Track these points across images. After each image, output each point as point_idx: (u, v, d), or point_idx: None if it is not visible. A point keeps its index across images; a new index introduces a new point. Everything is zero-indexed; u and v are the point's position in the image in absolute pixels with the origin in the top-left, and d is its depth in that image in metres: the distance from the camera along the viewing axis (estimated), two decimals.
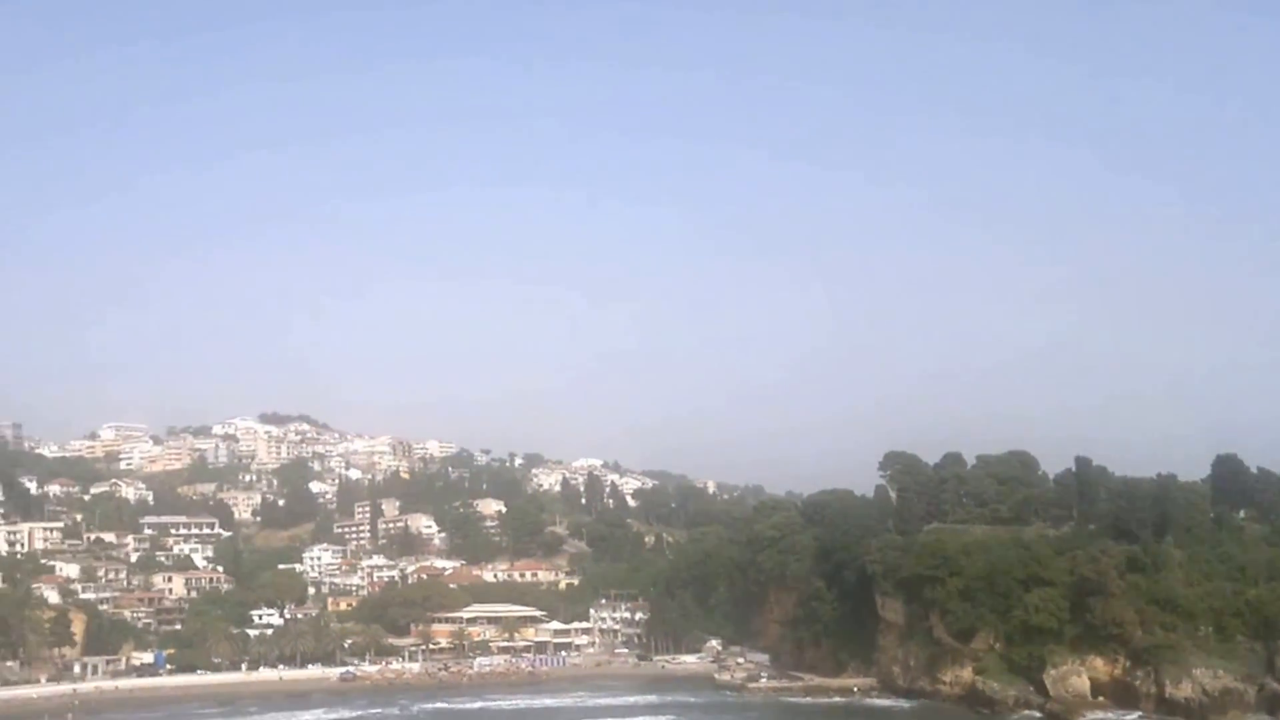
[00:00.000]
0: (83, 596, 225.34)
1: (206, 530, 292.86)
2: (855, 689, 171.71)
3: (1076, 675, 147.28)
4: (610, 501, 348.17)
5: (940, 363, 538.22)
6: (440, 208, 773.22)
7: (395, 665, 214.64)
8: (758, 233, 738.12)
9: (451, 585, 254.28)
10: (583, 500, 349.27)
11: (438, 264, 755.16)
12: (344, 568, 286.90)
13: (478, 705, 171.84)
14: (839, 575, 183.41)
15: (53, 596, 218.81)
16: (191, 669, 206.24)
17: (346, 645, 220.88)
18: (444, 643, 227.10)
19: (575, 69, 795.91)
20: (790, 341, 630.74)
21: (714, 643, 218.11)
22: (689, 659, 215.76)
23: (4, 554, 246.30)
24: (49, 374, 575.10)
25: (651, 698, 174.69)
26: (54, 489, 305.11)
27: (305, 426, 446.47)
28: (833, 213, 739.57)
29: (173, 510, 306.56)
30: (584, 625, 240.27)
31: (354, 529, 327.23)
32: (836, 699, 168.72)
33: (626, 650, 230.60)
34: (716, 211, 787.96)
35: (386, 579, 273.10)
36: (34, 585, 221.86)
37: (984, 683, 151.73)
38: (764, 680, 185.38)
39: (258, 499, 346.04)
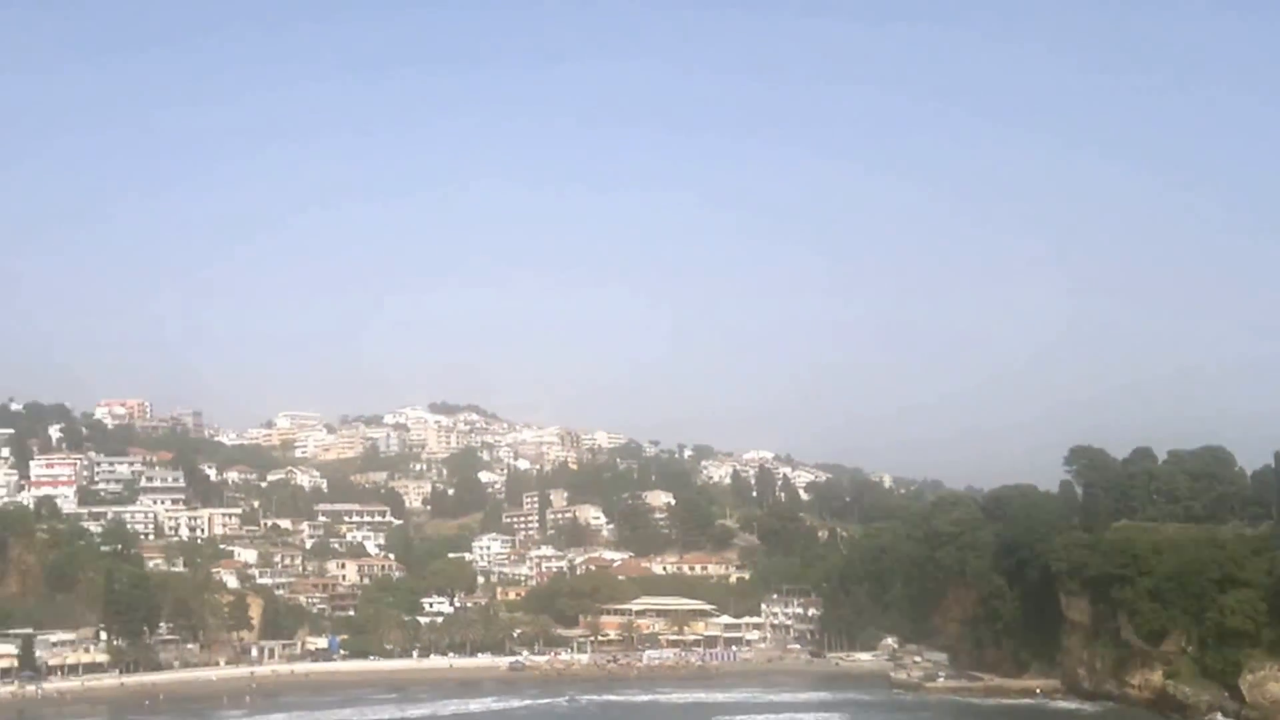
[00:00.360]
0: (260, 581, 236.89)
1: (378, 518, 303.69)
2: (1038, 691, 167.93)
3: (1275, 681, 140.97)
4: (782, 495, 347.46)
5: (1135, 367, 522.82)
6: (607, 208, 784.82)
7: (564, 656, 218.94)
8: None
9: (620, 577, 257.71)
10: (754, 493, 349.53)
11: (604, 263, 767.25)
12: (513, 558, 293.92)
13: (647, 698, 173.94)
14: (1021, 573, 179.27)
15: (231, 581, 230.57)
16: (364, 655, 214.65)
17: (515, 635, 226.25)
18: (612, 635, 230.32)
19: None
20: (987, 346, 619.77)
21: (889, 640, 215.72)
22: (863, 657, 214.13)
23: (185, 539, 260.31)
24: (228, 364, 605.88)
25: (824, 695, 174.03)
26: (232, 476, 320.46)
27: (474, 416, 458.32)
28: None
29: (345, 498, 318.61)
30: (755, 620, 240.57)
31: (522, 519, 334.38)
32: (1019, 701, 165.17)
33: (799, 646, 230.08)
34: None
35: (555, 570, 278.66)
36: (213, 570, 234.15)
37: (1175, 687, 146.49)
38: (941, 680, 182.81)
39: (428, 488, 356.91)
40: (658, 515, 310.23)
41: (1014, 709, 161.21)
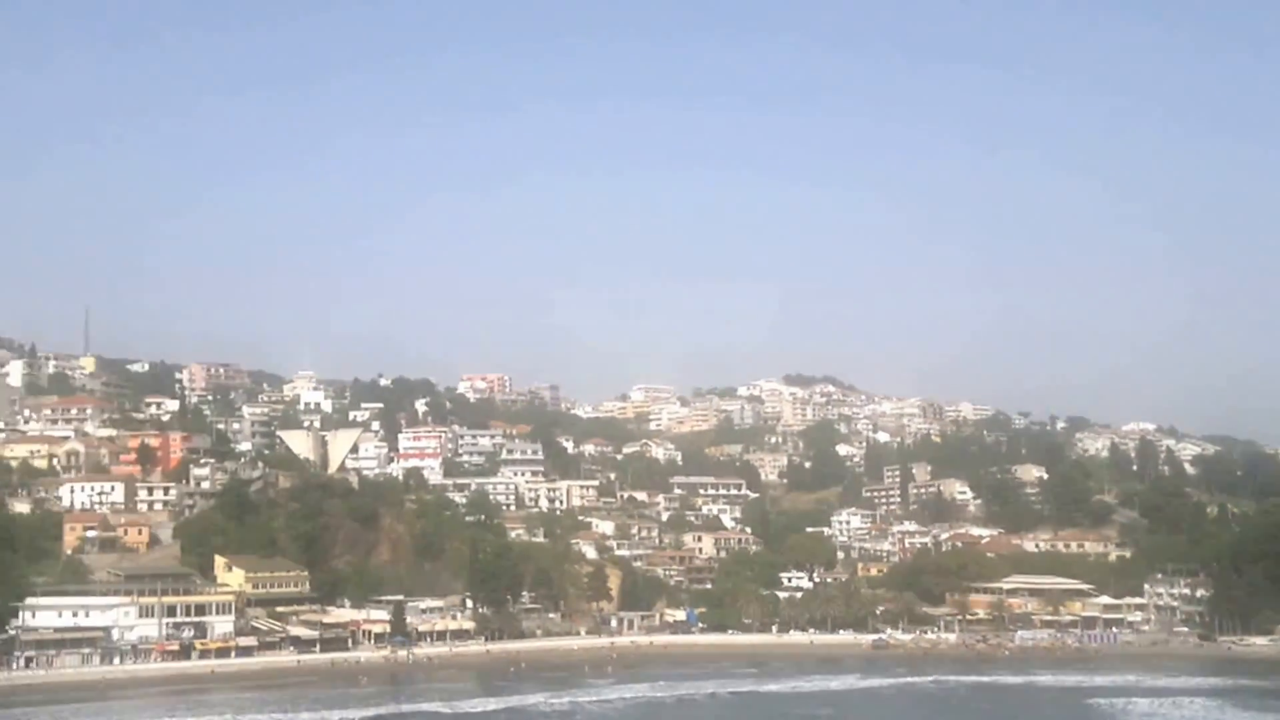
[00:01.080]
0: (618, 553, 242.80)
1: (734, 491, 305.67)
2: None
3: None
4: (1166, 469, 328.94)
5: None
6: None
7: (930, 635, 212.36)
8: None
9: (989, 554, 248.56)
10: (1134, 467, 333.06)
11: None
12: (873, 533, 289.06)
13: (1019, 680, 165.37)
14: None
15: (590, 552, 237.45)
16: (722, 628, 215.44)
17: (878, 612, 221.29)
18: (981, 614, 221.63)
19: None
20: None
21: None
22: (1260, 641, 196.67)
23: (544, 510, 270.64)
24: (584, 339, 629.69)
25: (1216, 680, 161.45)
26: (589, 448, 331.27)
27: (830, 388, 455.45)
28: None
29: (700, 470, 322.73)
30: (1137, 601, 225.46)
31: (883, 493, 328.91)
32: None
33: (1186, 630, 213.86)
34: None
35: (918, 545, 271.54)
36: (572, 541, 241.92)
37: None
38: None
39: (784, 461, 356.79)
40: (1029, 490, 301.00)
41: None
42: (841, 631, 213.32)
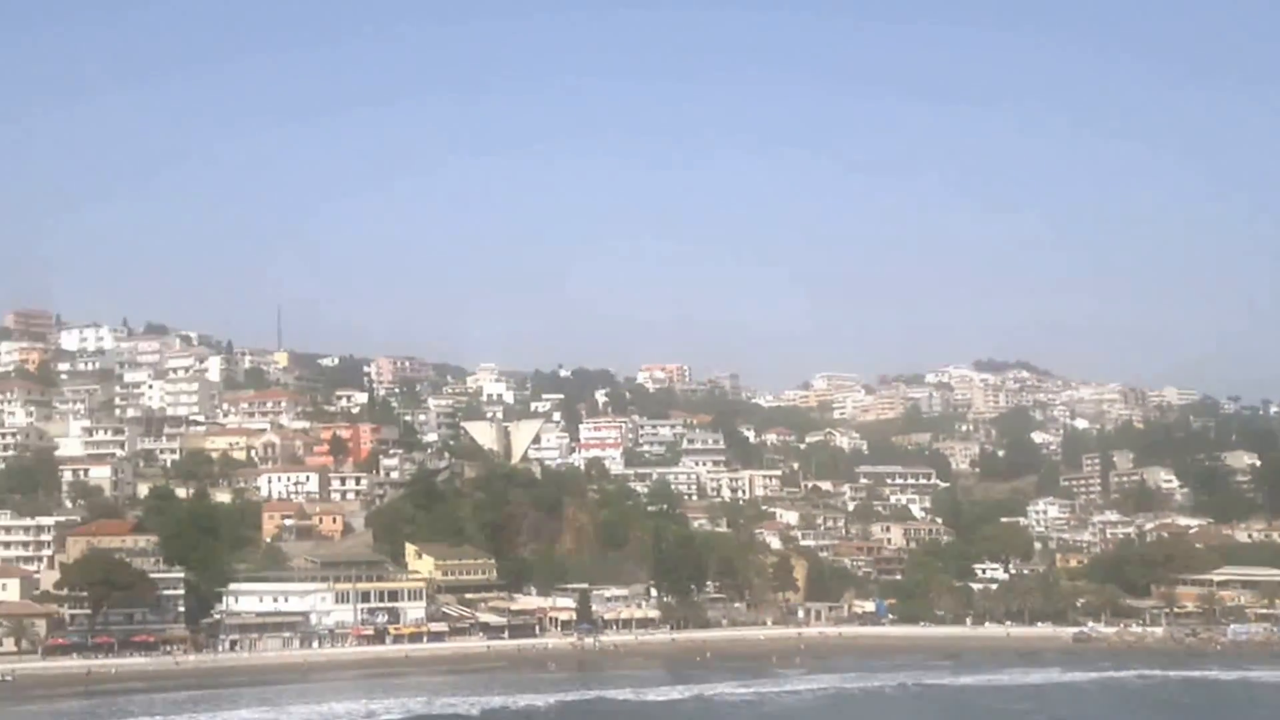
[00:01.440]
0: (803, 543, 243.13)
1: (923, 480, 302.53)
2: None
3: None
4: None
5: None
6: None
7: (1134, 628, 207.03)
8: None
9: (1197, 545, 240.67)
10: None
11: None
12: (1072, 523, 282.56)
13: (1234, 675, 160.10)
14: None
15: (774, 542, 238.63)
16: (913, 620, 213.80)
17: (1078, 604, 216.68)
18: (1190, 606, 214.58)
19: None
20: None
21: None
22: None
23: (726, 499, 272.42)
24: (763, 328, 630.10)
25: None
26: (770, 437, 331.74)
27: (1024, 374, 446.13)
28: None
29: (886, 459, 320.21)
30: None
31: (1082, 482, 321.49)
32: None
33: None
34: None
35: (1121, 536, 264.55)
36: (756, 531, 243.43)
37: None
38: None
39: (975, 449, 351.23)
40: (1240, 478, 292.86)
41: None
42: (1039, 624, 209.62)
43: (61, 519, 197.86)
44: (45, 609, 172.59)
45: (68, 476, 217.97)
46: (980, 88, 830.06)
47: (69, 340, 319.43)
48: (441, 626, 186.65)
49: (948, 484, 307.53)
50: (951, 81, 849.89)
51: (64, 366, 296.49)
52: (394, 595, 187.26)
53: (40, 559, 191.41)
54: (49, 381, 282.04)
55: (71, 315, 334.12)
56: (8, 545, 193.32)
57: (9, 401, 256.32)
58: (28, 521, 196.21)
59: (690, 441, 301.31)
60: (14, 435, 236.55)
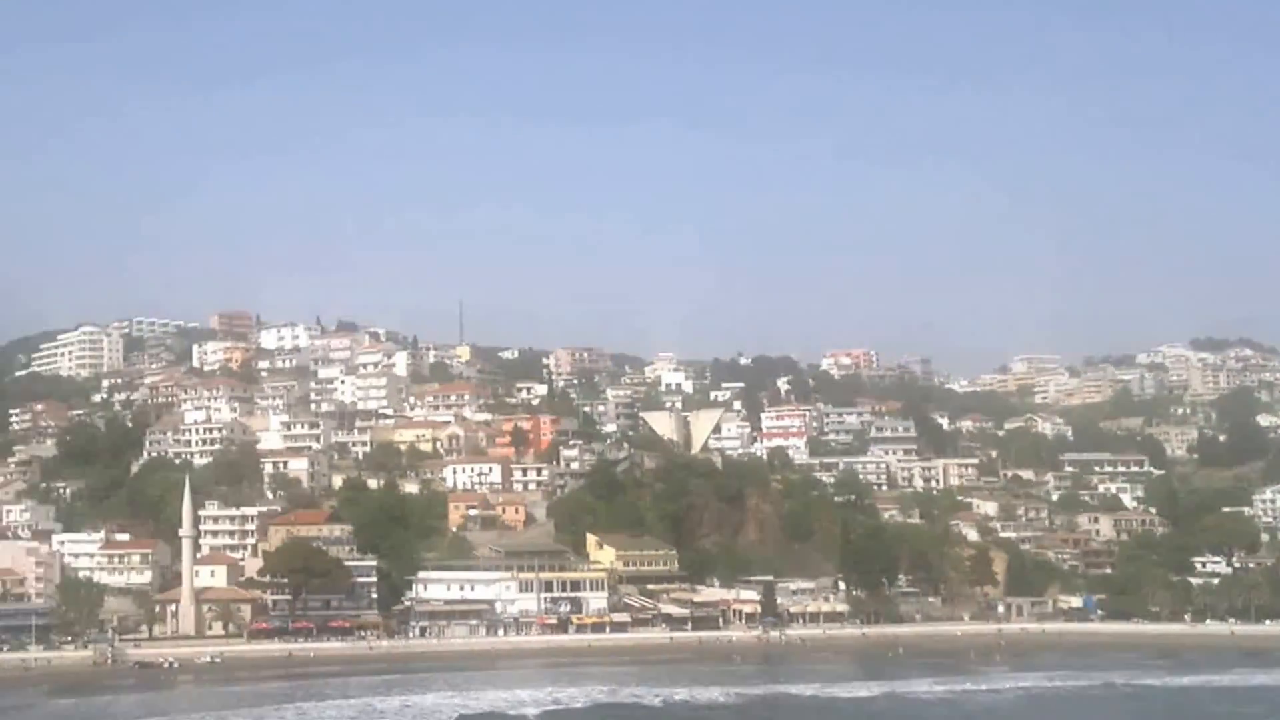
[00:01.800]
0: (1002, 535, 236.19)
1: (1135, 468, 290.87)
2: None
3: None
4: None
5: None
6: None
7: None
8: None
9: None
10: None
11: None
12: None
13: None
14: None
15: (971, 534, 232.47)
16: (1125, 616, 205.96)
17: None
18: None
19: None
20: None
21: None
22: None
23: (919, 489, 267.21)
24: (956, 308, 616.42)
25: None
26: (965, 424, 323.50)
27: (1247, 352, 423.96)
28: None
29: (1094, 446, 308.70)
30: None
31: None
32: None
33: None
34: None
35: None
36: (952, 522, 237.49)
37: None
38: None
39: (1193, 434, 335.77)
40: None
41: None
42: (1269, 621, 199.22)
43: (264, 509, 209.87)
44: (250, 594, 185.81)
45: (269, 469, 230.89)
46: None
47: (268, 339, 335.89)
48: (624, 617, 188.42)
49: (1163, 471, 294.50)
50: None
51: (263, 364, 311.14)
52: (576, 585, 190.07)
53: (245, 547, 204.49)
54: (250, 379, 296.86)
55: (270, 315, 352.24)
56: (216, 534, 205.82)
57: (216, 399, 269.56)
58: (233, 511, 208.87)
59: (879, 430, 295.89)
60: (220, 430, 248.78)
